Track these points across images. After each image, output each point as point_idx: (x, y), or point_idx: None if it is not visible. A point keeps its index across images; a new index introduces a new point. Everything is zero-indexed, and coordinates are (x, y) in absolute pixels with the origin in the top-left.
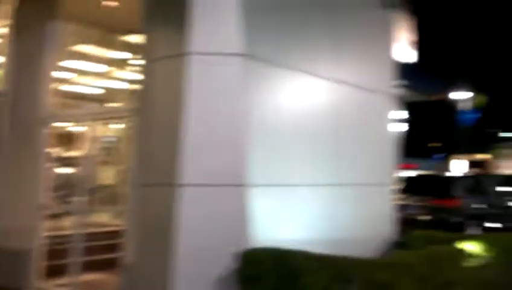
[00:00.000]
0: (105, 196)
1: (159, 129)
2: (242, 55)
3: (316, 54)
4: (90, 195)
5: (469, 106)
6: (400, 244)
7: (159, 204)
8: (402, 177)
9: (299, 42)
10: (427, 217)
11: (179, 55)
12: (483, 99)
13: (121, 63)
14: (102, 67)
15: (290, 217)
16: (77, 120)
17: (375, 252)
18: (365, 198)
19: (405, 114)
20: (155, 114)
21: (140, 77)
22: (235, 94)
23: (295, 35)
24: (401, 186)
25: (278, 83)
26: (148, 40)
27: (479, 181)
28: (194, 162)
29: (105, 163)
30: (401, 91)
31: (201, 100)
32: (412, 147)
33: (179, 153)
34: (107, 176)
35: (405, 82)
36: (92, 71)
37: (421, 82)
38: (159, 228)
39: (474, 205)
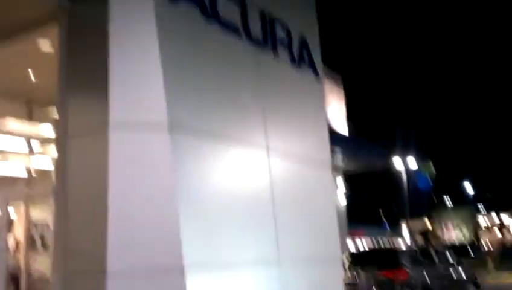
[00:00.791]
0: (34, 285)
1: (78, 210)
2: (167, 124)
3: (248, 122)
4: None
5: (416, 172)
6: None
7: None
8: (350, 250)
9: (230, 109)
10: None
11: (97, 127)
12: (430, 166)
13: (46, 140)
14: (26, 144)
15: None
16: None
17: None
18: (313, 275)
19: (348, 184)
20: (73, 193)
21: (57, 153)
22: (161, 167)
23: (224, 102)
24: (349, 260)
25: (208, 152)
26: (64, 112)
27: (425, 251)
28: (122, 246)
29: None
30: (341, 161)
31: (123, 176)
32: (359, 214)
33: (103, 236)
34: (41, 262)
35: (346, 152)
36: (15, 149)
37: (364, 151)
38: None
39: (421, 277)
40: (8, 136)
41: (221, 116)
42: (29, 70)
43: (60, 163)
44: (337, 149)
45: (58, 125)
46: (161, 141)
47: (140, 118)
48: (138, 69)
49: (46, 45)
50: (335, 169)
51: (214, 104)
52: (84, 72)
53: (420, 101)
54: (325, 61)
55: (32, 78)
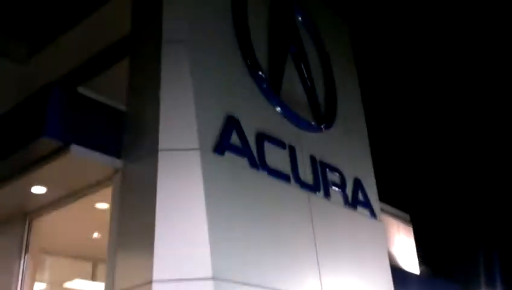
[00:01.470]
0: None
1: None
2: (212, 278)
3: (300, 270)
4: None
5: None
6: None
7: None
8: None
9: (280, 258)
10: None
11: (141, 285)
12: None
13: None
14: None
15: None
16: None
17: None
18: None
19: None
20: None
21: None
22: None
23: (274, 250)
24: None
25: None
26: (112, 268)
27: None
28: None
29: None
30: None
31: None
32: None
33: None
34: None
35: None
36: None
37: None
38: None
39: None
40: None
41: (271, 266)
42: (90, 229)
43: None
44: None
45: (106, 281)
46: None
47: (184, 276)
48: (184, 225)
49: (104, 205)
50: None
51: (262, 253)
52: (133, 228)
53: (502, 231)
54: (393, 201)
55: (94, 238)
